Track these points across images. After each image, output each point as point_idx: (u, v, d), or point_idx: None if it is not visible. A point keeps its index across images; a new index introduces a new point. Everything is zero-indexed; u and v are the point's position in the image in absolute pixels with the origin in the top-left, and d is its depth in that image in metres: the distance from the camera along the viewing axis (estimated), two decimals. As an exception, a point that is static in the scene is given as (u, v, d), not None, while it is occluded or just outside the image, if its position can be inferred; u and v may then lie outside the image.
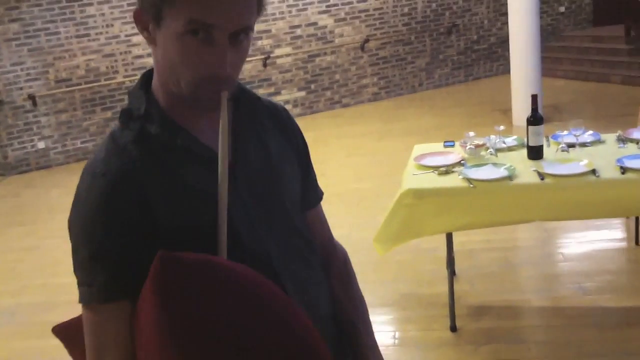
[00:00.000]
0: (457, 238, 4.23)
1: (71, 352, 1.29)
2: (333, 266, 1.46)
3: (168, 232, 1.10)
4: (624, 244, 4.14)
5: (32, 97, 8.31)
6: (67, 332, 1.29)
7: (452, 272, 3.45)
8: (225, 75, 1.09)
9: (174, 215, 1.11)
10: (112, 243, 1.08)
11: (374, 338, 1.47)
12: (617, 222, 4.36)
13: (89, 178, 1.11)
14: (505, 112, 7.63)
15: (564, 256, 4.03)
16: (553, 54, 10.17)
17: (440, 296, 3.53)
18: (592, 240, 4.22)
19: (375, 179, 5.81)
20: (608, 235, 4.24)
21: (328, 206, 5.28)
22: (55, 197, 7.25)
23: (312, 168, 1.45)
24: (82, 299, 1.12)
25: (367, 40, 9.53)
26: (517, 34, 7.22)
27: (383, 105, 9.56)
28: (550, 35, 10.73)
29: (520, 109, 7.17)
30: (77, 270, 1.13)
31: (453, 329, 3.34)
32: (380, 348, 3.32)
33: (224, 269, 1.07)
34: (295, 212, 1.33)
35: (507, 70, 7.92)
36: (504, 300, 3.62)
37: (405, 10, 9.73)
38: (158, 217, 1.10)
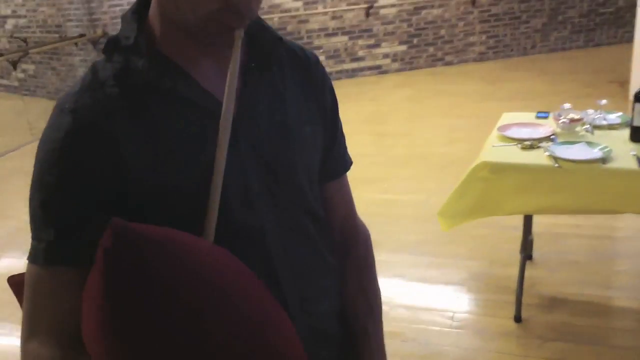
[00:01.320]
0: (541, 219, 3.90)
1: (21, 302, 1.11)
2: (351, 253, 1.23)
3: (140, 194, 0.91)
4: None
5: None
6: (20, 285, 1.09)
7: (525, 257, 3.15)
8: (243, 8, 0.88)
9: (152, 175, 0.91)
10: (66, 195, 0.91)
11: (382, 338, 1.24)
12: None
13: (56, 113, 0.93)
14: (623, 84, 6.98)
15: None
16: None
17: (512, 279, 3.23)
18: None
19: (467, 144, 5.40)
20: None
21: (409, 169, 5.08)
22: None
23: (342, 131, 1.20)
24: (29, 255, 0.95)
25: (479, -5, 9.00)
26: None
27: (489, 66, 9.04)
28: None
29: (640, 83, 6.61)
30: (30, 218, 0.96)
31: (517, 319, 3.05)
32: (435, 328, 3.09)
33: (190, 253, 0.87)
34: (309, 184, 1.10)
35: (633, 39, 7.21)
36: (584, 294, 3.27)
37: (525, -37, 9.08)
38: (130, 174, 0.90)
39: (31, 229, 0.95)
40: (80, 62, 8.89)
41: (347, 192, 1.25)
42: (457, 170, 5.01)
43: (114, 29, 8.35)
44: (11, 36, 9.80)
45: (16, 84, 10.42)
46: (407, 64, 9.16)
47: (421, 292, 3.43)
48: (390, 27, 9.00)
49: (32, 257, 0.94)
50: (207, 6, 0.86)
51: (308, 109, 1.09)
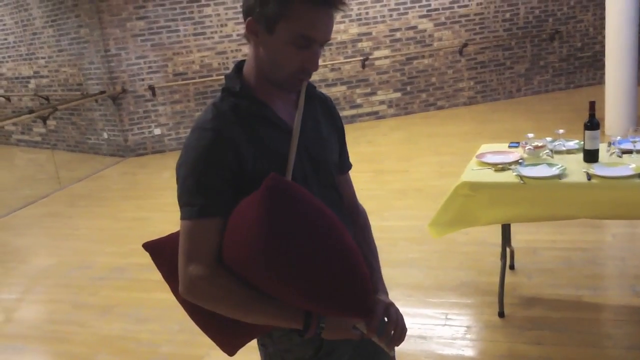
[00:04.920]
0: (522, 236, 4.49)
1: (157, 264, 1.65)
2: (357, 221, 1.84)
3: (249, 174, 1.47)
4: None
5: (152, 88, 9.08)
6: (155, 248, 1.64)
7: (504, 263, 3.70)
8: (312, 70, 1.49)
9: (255, 164, 1.47)
10: (213, 176, 1.43)
11: (381, 274, 1.78)
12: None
13: (199, 131, 1.47)
14: (600, 120, 7.58)
15: (624, 261, 4.16)
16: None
17: (496, 285, 3.73)
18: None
19: (456, 177, 5.87)
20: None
21: (406, 200, 5.73)
22: (166, 178, 7.94)
23: (346, 145, 1.82)
24: (184, 215, 1.46)
25: (465, 45, 9.67)
26: (613, 45, 7.17)
27: (478, 108, 9.68)
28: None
29: (613, 119, 7.17)
30: (182, 195, 1.47)
31: (501, 314, 3.59)
32: (430, 327, 3.63)
33: (309, 195, 1.46)
34: (335, 173, 1.71)
35: (604, 79, 7.86)
36: (557, 294, 3.81)
37: (507, 15, 9.79)
38: (244, 164, 1.46)
39: (182, 201, 1.47)
40: (100, 117, 9.46)
41: (350, 183, 1.87)
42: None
43: (132, 85, 8.99)
44: (35, 94, 10.35)
45: (38, 139, 10.95)
46: (401, 109, 9.76)
47: (419, 298, 3.95)
48: (385, 77, 9.62)
49: (187, 215, 1.45)
50: (291, 69, 1.47)
51: (330, 129, 1.72)
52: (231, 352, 1.63)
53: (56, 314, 4.42)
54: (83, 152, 10.08)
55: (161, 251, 1.63)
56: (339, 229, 1.45)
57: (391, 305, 1.53)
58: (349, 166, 1.86)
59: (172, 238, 1.60)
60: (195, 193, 1.44)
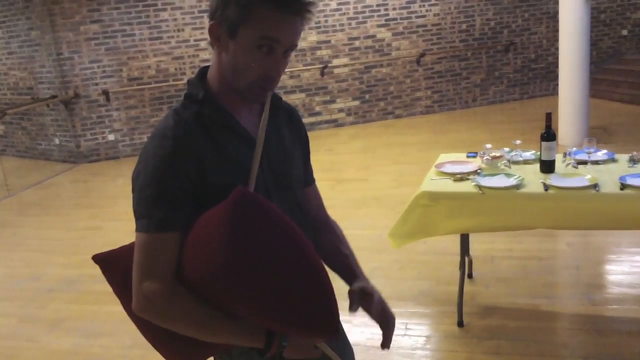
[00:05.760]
0: (479, 245, 4.53)
1: (108, 278, 1.58)
2: (331, 228, 1.80)
3: (210, 187, 1.42)
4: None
5: (105, 93, 8.92)
6: (106, 261, 1.57)
7: (464, 273, 3.73)
8: (276, 78, 1.45)
9: (218, 175, 1.42)
10: (173, 188, 1.38)
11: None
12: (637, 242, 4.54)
13: (158, 139, 1.41)
14: (554, 131, 7.73)
15: (579, 269, 4.23)
16: (612, 76, 10.18)
17: (454, 294, 3.75)
18: (611, 259, 4.44)
19: (413, 187, 5.87)
20: (629, 254, 4.43)
21: (366, 208, 5.72)
22: (120, 185, 7.79)
23: (310, 156, 1.79)
24: (141, 228, 1.40)
25: (423, 55, 9.77)
26: (566, 56, 7.32)
27: (434, 118, 9.79)
28: (611, 57, 10.74)
29: (566, 129, 7.34)
30: (139, 206, 1.41)
31: (460, 324, 3.61)
32: (392, 337, 3.62)
33: (276, 211, 1.42)
34: (298, 188, 1.67)
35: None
36: (514, 302, 3.85)
37: (463, 27, 9.93)
38: (207, 174, 1.41)
39: (138, 212, 1.41)
40: (51, 122, 9.26)
41: (318, 195, 1.83)
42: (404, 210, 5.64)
43: (85, 89, 8.82)
44: (-17, 99, 10.07)
45: (-14, 144, 10.66)
46: (360, 117, 9.81)
47: (378, 308, 3.96)
48: (344, 85, 9.67)
49: (144, 229, 1.39)
50: (253, 77, 1.42)
51: (294, 141, 1.68)
52: None
53: (2, 328, 4.26)
54: (33, 158, 9.82)
55: (113, 264, 1.56)
56: (306, 245, 1.42)
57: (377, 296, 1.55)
58: (313, 178, 1.82)
59: (125, 250, 1.54)
60: (153, 206, 1.39)
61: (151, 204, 1.39)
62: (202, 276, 1.36)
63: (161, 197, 1.38)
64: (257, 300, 1.36)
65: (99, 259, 1.58)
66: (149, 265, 1.39)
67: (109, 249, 1.59)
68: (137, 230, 1.41)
